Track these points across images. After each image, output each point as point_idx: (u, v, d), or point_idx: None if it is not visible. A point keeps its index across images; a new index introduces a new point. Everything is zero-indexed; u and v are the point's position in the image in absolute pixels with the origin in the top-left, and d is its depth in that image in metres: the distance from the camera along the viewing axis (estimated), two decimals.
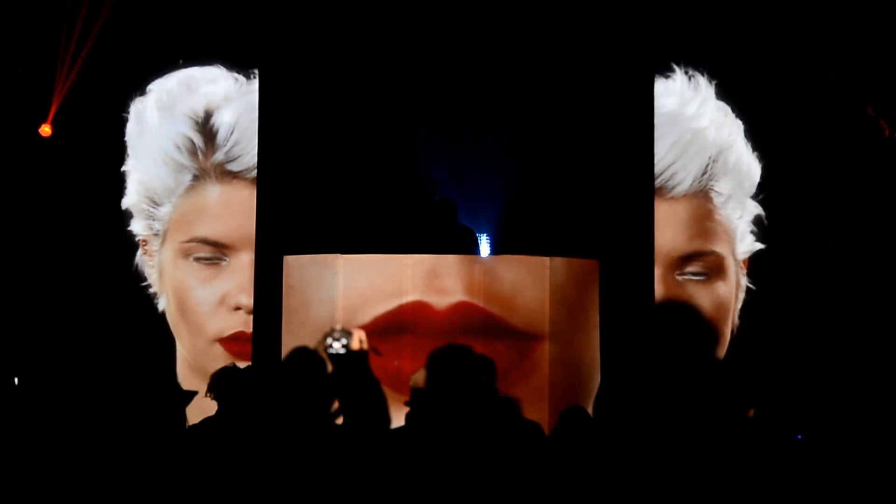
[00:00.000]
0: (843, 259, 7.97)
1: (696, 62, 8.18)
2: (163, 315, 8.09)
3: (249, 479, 3.93)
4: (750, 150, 8.17)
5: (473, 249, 7.25)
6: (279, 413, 4.12)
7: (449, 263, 6.42)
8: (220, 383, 5.19)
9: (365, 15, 7.84)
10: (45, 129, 7.97)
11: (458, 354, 4.41)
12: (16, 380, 5.94)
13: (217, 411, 5.15)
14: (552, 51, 7.87)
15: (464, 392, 4.46)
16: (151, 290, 8.12)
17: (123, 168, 8.12)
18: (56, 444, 4.23)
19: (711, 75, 8.19)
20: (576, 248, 7.16)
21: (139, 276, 8.12)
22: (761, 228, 8.16)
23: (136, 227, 8.12)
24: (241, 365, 5.46)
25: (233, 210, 8.05)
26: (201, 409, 5.28)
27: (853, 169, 7.96)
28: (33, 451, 4.21)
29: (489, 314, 6.42)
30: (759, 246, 8.16)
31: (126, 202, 8.11)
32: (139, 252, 8.11)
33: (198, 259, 8.04)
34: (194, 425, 4.91)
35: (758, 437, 4.12)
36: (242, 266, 7.98)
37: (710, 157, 8.14)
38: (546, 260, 6.53)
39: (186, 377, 7.79)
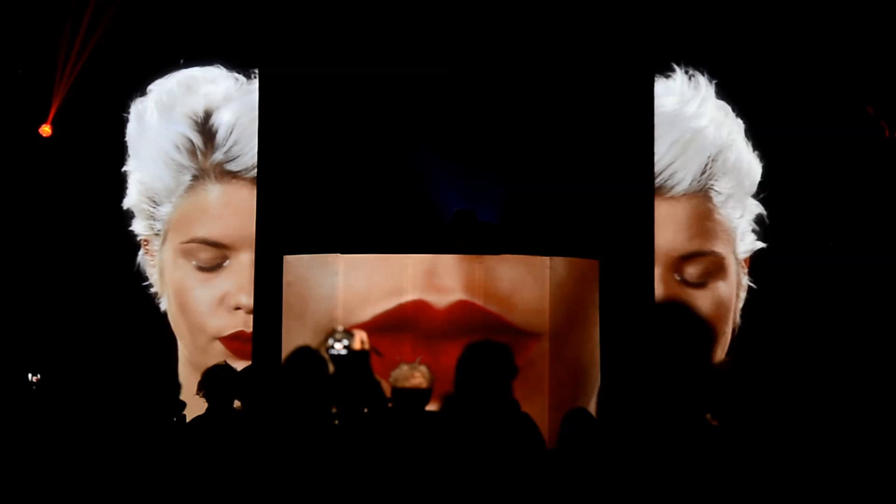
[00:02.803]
0: (844, 259, 7.96)
1: (696, 61, 8.17)
2: (164, 315, 8.09)
3: (250, 478, 3.94)
4: (750, 149, 8.16)
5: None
6: (280, 413, 4.12)
7: (448, 263, 6.43)
8: (210, 382, 5.22)
9: (365, 14, 7.83)
10: (45, 129, 7.97)
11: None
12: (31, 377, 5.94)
13: (206, 410, 5.18)
14: (553, 50, 7.87)
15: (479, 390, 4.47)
16: (153, 290, 8.11)
17: (124, 168, 8.12)
18: (58, 443, 4.24)
19: (711, 74, 8.18)
20: (576, 248, 7.16)
21: (141, 276, 8.12)
22: (763, 227, 8.15)
23: (138, 226, 8.12)
24: (235, 364, 5.47)
25: (232, 210, 8.05)
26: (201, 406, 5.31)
27: (853, 169, 7.95)
28: (35, 449, 4.22)
29: (488, 312, 6.43)
30: (761, 245, 8.15)
31: (127, 202, 8.11)
32: (141, 252, 8.11)
33: (199, 267, 8.04)
34: (185, 424, 4.93)
35: (757, 436, 4.11)
36: (242, 266, 7.98)
37: (709, 157, 8.13)
38: (546, 260, 6.54)
39: (188, 377, 7.79)
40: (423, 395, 4.55)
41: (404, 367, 4.57)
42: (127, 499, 4.03)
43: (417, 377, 4.55)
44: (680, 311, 8.04)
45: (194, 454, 4.09)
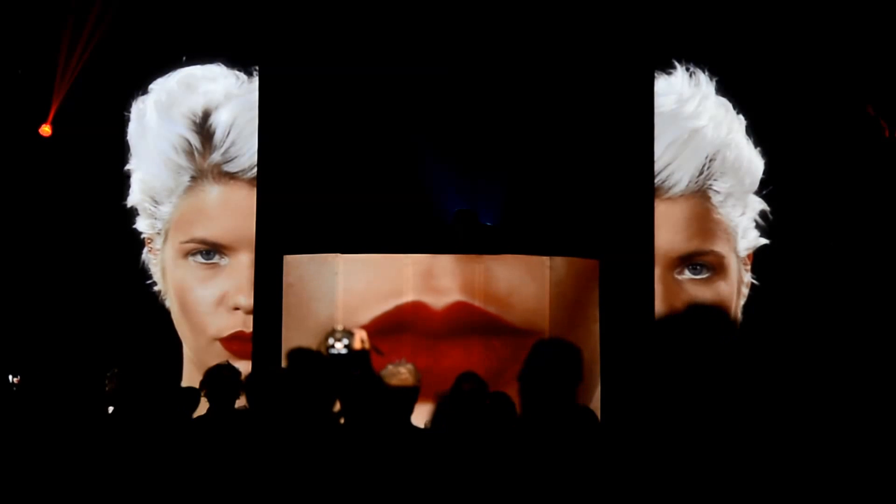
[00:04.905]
0: (844, 258, 7.96)
1: (697, 58, 8.15)
2: (169, 312, 8.11)
3: (252, 477, 3.94)
4: (752, 145, 8.14)
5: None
6: (281, 412, 4.13)
7: (446, 264, 6.45)
8: (212, 382, 5.23)
9: (366, 13, 7.84)
10: (45, 129, 7.96)
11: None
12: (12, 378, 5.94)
13: (209, 409, 5.19)
14: (553, 48, 7.87)
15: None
16: (157, 288, 8.12)
17: (127, 167, 8.12)
18: (62, 440, 4.25)
19: (712, 72, 8.16)
20: (576, 248, 7.17)
21: (145, 274, 8.13)
22: (767, 223, 8.13)
23: (141, 224, 8.13)
24: (236, 364, 5.49)
25: (231, 211, 8.05)
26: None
27: (853, 169, 7.94)
28: (38, 447, 4.23)
29: (486, 313, 6.46)
30: (763, 241, 8.14)
31: (130, 200, 8.12)
32: (145, 250, 8.12)
33: (196, 261, 8.04)
34: (189, 422, 4.94)
35: (759, 434, 4.11)
36: (241, 266, 7.98)
37: (707, 157, 8.09)
38: (546, 260, 6.56)
39: (191, 374, 7.80)
40: (410, 392, 4.58)
41: (390, 366, 4.62)
42: (129, 498, 4.03)
43: (404, 373, 4.59)
44: (680, 310, 8.04)
45: (196, 453, 4.10)
